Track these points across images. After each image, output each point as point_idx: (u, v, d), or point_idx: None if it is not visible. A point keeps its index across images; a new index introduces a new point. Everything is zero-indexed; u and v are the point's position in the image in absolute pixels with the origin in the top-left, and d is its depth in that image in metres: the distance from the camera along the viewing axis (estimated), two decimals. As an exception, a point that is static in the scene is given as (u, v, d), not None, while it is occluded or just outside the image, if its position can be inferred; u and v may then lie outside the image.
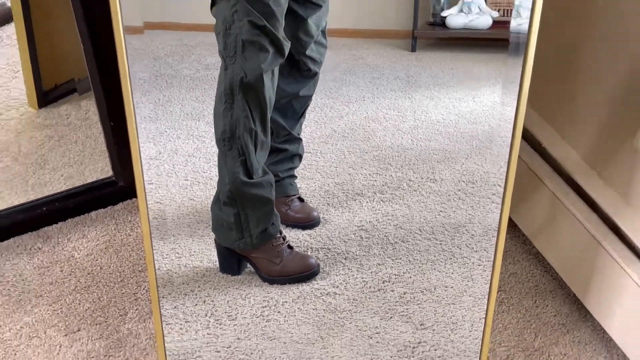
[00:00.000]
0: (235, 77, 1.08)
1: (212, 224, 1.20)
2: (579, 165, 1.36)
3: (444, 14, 1.10)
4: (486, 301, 1.18)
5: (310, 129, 1.17)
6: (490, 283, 1.15)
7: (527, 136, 1.45)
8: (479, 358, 1.22)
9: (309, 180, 1.21)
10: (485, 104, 1.09)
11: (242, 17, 1.04)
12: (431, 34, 1.11)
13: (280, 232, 1.22)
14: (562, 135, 1.40)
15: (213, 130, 1.12)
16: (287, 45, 1.08)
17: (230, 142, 1.12)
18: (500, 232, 1.10)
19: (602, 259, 1.28)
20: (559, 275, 1.44)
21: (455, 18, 1.09)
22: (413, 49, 1.12)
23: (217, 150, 1.14)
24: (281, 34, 1.07)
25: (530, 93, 1.46)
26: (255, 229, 1.19)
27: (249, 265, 1.23)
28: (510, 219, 1.51)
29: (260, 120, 1.11)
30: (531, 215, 1.45)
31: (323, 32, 1.12)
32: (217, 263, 1.23)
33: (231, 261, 1.23)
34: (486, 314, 1.18)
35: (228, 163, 1.14)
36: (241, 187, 1.15)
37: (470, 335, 1.22)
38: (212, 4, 1.06)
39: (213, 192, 1.17)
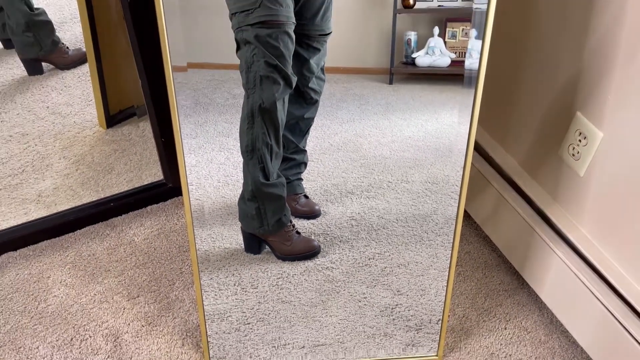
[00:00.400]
0: (255, 104, 1.08)
1: (239, 215, 1.20)
2: (516, 170, 1.36)
3: (414, 55, 1.10)
4: (447, 273, 1.18)
5: (313, 142, 1.17)
6: (450, 259, 1.15)
7: (477, 147, 1.44)
8: (442, 315, 1.21)
9: (313, 182, 1.21)
10: (446, 124, 1.09)
11: (259, 58, 1.05)
12: (404, 71, 1.11)
13: (290, 221, 1.22)
14: (504, 146, 1.40)
15: (239, 144, 1.12)
16: (294, 79, 1.09)
17: (252, 153, 1.13)
18: (457, 220, 1.10)
19: (535, 241, 1.28)
20: (502, 253, 1.43)
21: (422, 59, 1.09)
22: (390, 82, 1.12)
23: (242, 160, 1.14)
24: (289, 70, 1.07)
25: (480, 114, 1.46)
26: (272, 219, 1.19)
27: (266, 246, 1.23)
28: (465, 211, 1.51)
29: (275, 136, 1.12)
30: (481, 207, 1.45)
31: (322, 69, 1.12)
32: (243, 245, 1.23)
33: (253, 243, 1.22)
34: (447, 283, 1.18)
35: (250, 169, 1.14)
36: (260, 187, 1.16)
37: (435, 299, 1.21)
38: (237, 49, 1.06)
39: (239, 191, 1.17)
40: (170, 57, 0.94)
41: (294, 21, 1.05)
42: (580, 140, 1.14)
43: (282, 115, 1.11)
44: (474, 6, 0.96)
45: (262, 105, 1.08)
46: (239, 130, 1.12)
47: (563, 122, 1.18)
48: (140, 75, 1.40)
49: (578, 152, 1.15)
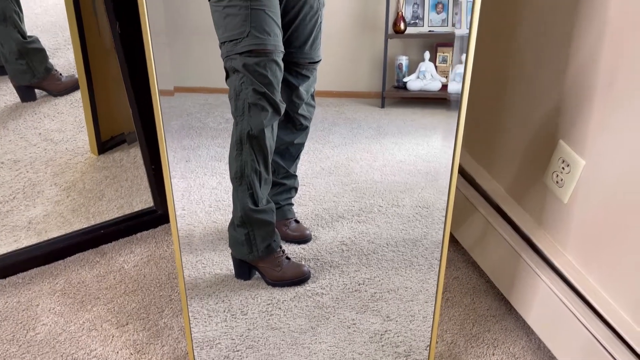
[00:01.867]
0: (244, 131, 1.08)
1: (229, 242, 1.19)
2: (503, 196, 1.36)
3: (405, 79, 1.11)
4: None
5: (304, 167, 1.17)
6: (437, 285, 1.15)
7: (464, 173, 1.45)
8: (430, 342, 1.20)
9: (304, 206, 1.20)
10: (437, 147, 1.10)
11: (247, 86, 1.05)
12: (396, 95, 1.12)
13: (280, 247, 1.21)
14: (490, 172, 1.41)
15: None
16: (282, 106, 1.09)
17: (240, 179, 1.12)
18: (443, 245, 1.10)
19: (522, 267, 1.28)
20: (490, 279, 1.43)
21: (413, 83, 1.10)
22: (382, 106, 1.13)
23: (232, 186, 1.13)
24: (278, 97, 1.07)
25: (467, 141, 1.47)
26: (261, 244, 1.19)
27: (257, 272, 1.22)
28: (453, 237, 1.51)
29: (263, 162, 1.12)
30: (469, 233, 1.45)
31: (312, 96, 1.12)
32: (233, 271, 1.21)
33: (243, 269, 1.21)
34: (434, 309, 1.17)
35: (239, 195, 1.14)
36: (250, 213, 1.15)
37: (424, 325, 1.20)
38: (227, 77, 1.07)
39: (231, 216, 1.17)
40: (157, 82, 0.93)
41: (282, 50, 1.06)
42: (563, 168, 1.15)
43: (270, 142, 1.11)
44: (456, 32, 0.97)
45: (250, 132, 1.08)
46: (228, 157, 1.11)
47: (547, 149, 1.19)
48: (130, 102, 1.40)
49: (562, 180, 1.16)
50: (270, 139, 1.11)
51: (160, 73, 0.92)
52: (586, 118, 1.08)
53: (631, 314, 1.09)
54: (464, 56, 0.92)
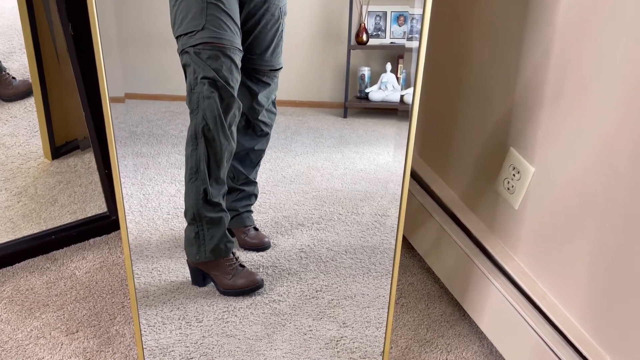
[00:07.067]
0: (199, 125, 1.06)
1: (184, 242, 1.15)
2: (457, 203, 1.36)
3: (367, 90, 1.10)
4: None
5: (266, 175, 1.14)
6: (390, 291, 1.13)
7: (419, 180, 1.44)
8: (383, 347, 1.18)
9: (264, 214, 1.17)
10: (395, 156, 1.08)
11: (201, 79, 1.03)
12: (358, 105, 1.11)
13: (234, 254, 1.16)
14: (445, 180, 1.40)
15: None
16: (238, 104, 1.06)
17: (195, 174, 1.08)
18: (396, 252, 1.08)
19: (474, 272, 1.27)
20: (444, 285, 1.41)
21: (375, 93, 1.09)
22: (344, 116, 1.12)
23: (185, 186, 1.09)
24: (234, 93, 1.04)
25: (422, 149, 1.46)
26: (209, 244, 1.14)
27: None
28: (409, 243, 1.49)
29: (218, 158, 1.09)
30: (424, 239, 1.44)
31: (273, 103, 1.10)
32: (189, 278, 1.16)
33: (197, 275, 1.17)
34: (387, 315, 1.15)
35: (193, 190, 1.10)
36: (202, 210, 1.11)
37: (379, 331, 1.18)
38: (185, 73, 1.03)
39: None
40: (107, 87, 0.90)
41: (240, 48, 1.03)
42: (514, 175, 1.15)
43: (229, 141, 1.07)
44: (406, 44, 0.96)
45: (204, 126, 1.04)
46: (185, 157, 1.07)
47: (498, 157, 1.19)
48: (84, 107, 1.35)
49: (513, 186, 1.16)
50: (230, 137, 1.06)
51: (112, 79, 0.89)
52: (535, 126, 1.08)
53: (578, 318, 1.09)
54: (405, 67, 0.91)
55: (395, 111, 1.04)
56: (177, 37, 1.01)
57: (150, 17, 1.02)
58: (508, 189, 1.17)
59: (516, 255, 1.21)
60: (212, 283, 1.17)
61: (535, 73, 1.06)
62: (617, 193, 0.96)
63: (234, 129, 1.06)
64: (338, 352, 1.17)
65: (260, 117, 1.10)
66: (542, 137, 1.07)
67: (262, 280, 1.17)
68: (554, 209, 1.08)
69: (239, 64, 1.03)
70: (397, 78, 1.07)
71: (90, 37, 0.88)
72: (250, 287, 1.17)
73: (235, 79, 1.03)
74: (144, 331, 1.13)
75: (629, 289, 0.97)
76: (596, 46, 0.94)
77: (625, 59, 0.89)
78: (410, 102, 0.96)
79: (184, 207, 1.11)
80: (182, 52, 1.02)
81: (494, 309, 1.23)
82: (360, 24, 1.10)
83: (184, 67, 1.03)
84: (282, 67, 1.08)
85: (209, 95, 1.02)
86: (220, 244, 1.14)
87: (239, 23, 1.02)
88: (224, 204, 1.11)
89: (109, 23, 0.89)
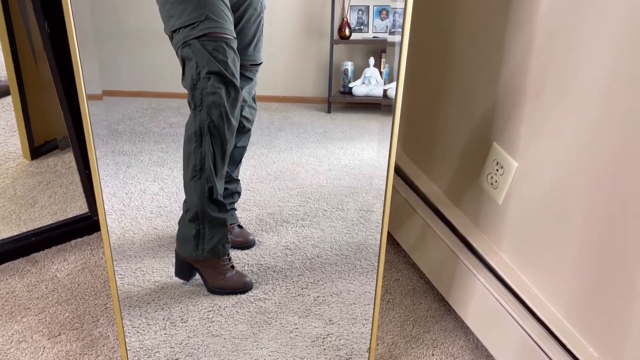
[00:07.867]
0: (204, 122, 1.03)
1: (177, 235, 1.13)
2: (441, 199, 1.35)
3: (351, 85, 1.09)
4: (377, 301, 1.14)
5: (249, 172, 1.12)
6: (376, 287, 1.12)
7: (404, 177, 1.43)
8: (370, 343, 1.17)
9: (248, 211, 1.15)
10: (381, 152, 1.08)
11: (205, 73, 1.01)
12: (342, 100, 1.10)
13: (228, 255, 1.15)
14: (429, 176, 1.39)
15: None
16: (242, 95, 1.03)
17: (200, 172, 1.06)
18: (381, 247, 1.07)
19: (460, 267, 1.27)
20: (429, 280, 1.41)
21: (359, 88, 1.08)
22: (328, 111, 1.11)
23: (182, 185, 1.07)
24: (238, 84, 1.02)
25: (407, 145, 1.46)
26: (209, 244, 1.12)
27: (198, 275, 1.15)
28: (394, 239, 1.48)
29: (222, 155, 1.07)
30: (409, 235, 1.43)
31: (253, 98, 1.09)
32: (174, 278, 1.14)
33: (184, 269, 1.15)
34: (373, 312, 1.14)
35: (197, 189, 1.07)
36: (207, 209, 1.09)
37: (365, 327, 1.17)
38: (183, 67, 1.01)
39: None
40: (84, 84, 0.87)
41: (236, 39, 1.01)
42: (497, 170, 1.15)
43: (233, 137, 1.05)
44: (388, 38, 0.95)
45: (210, 123, 1.02)
46: (183, 152, 1.04)
47: (482, 152, 1.19)
48: (62, 106, 1.33)
49: (496, 181, 1.16)
50: (234, 132, 1.05)
51: (90, 76, 0.87)
52: (517, 122, 1.08)
53: (562, 311, 1.09)
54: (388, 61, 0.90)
55: (379, 106, 1.03)
56: (173, 31, 0.98)
57: (127, 13, 0.99)
58: (492, 184, 1.17)
59: (500, 250, 1.21)
60: (195, 281, 1.15)
61: (518, 68, 1.06)
62: (600, 187, 0.96)
63: (236, 123, 1.05)
64: (324, 349, 1.16)
65: (243, 113, 1.08)
66: (525, 132, 1.07)
67: (252, 282, 1.16)
68: (538, 204, 1.09)
69: (238, 54, 1.02)
70: (380, 72, 1.06)
71: (67, 34, 0.86)
72: (240, 289, 1.16)
73: (237, 70, 1.02)
74: (128, 332, 1.11)
75: (613, 283, 0.97)
76: (578, 42, 0.94)
77: (606, 55, 0.89)
78: (393, 96, 0.95)
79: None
80: (183, 45, 0.99)
81: (479, 304, 1.23)
82: (343, 19, 1.08)
83: (184, 60, 1.00)
84: (262, 62, 1.07)
85: (214, 91, 1.00)
86: (219, 244, 1.12)
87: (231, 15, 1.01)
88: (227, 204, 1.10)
89: (85, 20, 0.87)
